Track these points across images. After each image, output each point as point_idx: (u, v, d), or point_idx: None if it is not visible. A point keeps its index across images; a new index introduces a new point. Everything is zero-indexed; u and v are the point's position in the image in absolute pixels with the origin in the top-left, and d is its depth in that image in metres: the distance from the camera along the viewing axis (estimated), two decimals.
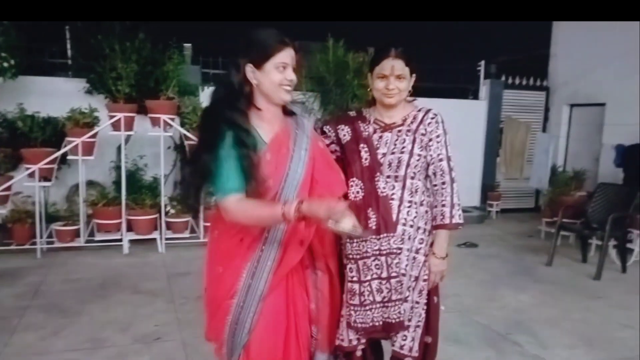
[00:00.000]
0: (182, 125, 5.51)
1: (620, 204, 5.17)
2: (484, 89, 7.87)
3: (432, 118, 1.96)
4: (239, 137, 1.61)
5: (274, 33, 1.68)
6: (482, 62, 7.85)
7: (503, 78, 8.04)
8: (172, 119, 5.28)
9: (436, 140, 1.94)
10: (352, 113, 2.07)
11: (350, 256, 1.92)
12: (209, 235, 1.84)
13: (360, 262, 1.89)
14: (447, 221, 1.93)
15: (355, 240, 1.88)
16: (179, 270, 4.64)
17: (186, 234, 5.48)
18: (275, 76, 1.67)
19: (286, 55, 1.67)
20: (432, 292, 2.00)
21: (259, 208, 1.60)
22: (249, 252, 1.69)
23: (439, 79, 7.25)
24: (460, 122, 6.07)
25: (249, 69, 1.65)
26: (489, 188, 8.00)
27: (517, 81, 8.17)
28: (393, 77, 1.90)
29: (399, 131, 1.95)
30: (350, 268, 1.92)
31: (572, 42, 7.75)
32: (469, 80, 8.06)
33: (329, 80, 5.99)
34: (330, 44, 6.01)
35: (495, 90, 7.86)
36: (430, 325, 2.00)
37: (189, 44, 6.50)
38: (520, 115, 8.13)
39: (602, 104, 7.18)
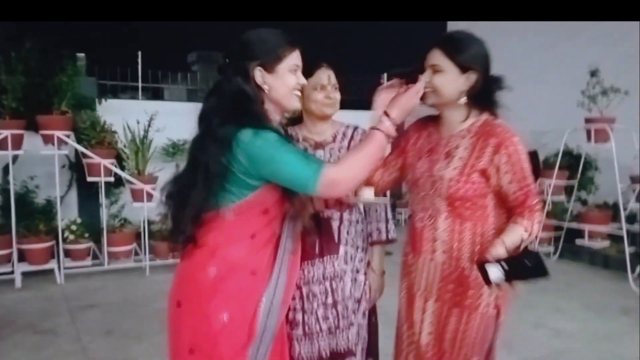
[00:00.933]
0: (79, 141, 5.07)
1: None
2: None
3: (362, 134, 1.94)
4: (285, 138, 1.43)
5: (282, 33, 1.51)
6: (385, 75, 8.13)
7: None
8: (67, 135, 4.83)
9: None
10: None
11: None
12: (192, 276, 1.46)
13: (305, 289, 1.81)
14: (383, 237, 1.96)
15: (301, 265, 1.80)
16: (83, 303, 4.22)
17: (88, 262, 5.02)
18: (290, 79, 1.49)
19: (297, 57, 1.51)
20: (371, 311, 1.97)
21: (360, 152, 1.43)
22: (263, 284, 1.47)
23: (345, 91, 7.38)
24: None
25: (258, 73, 1.46)
26: (397, 197, 8.26)
27: None
28: (331, 86, 1.85)
29: (331, 148, 1.91)
30: (293, 296, 1.82)
31: None
32: (371, 92, 8.30)
33: None
34: None
35: None
36: (371, 346, 1.96)
37: (83, 54, 6.03)
38: None
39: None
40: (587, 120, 5.20)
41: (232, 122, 1.39)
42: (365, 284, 1.89)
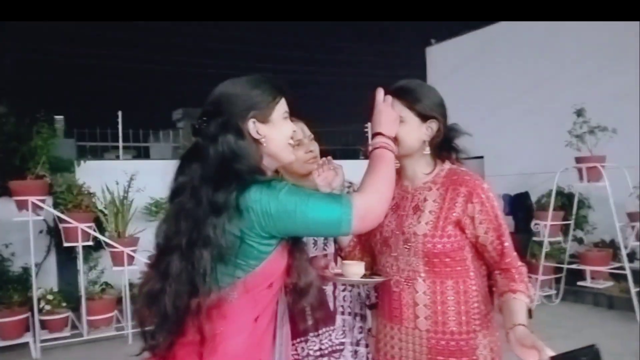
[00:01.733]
0: (56, 206, 4.86)
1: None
2: None
3: (349, 187, 1.79)
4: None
5: (264, 78, 1.33)
6: (369, 124, 8.12)
7: None
8: (43, 200, 4.63)
9: None
10: None
11: None
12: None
13: None
14: (373, 300, 1.75)
15: (293, 343, 1.59)
16: None
17: (66, 332, 4.69)
18: (286, 127, 1.33)
19: (285, 103, 1.35)
20: None
21: (376, 173, 1.33)
22: (272, 342, 1.31)
23: (329, 141, 7.35)
24: (357, 183, 6.10)
25: (252, 125, 1.27)
26: None
27: None
28: (307, 139, 1.71)
29: None
30: None
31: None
32: (358, 141, 8.29)
33: None
34: None
35: None
36: None
37: (61, 116, 5.92)
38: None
39: (481, 157, 7.70)
40: (578, 160, 5.13)
41: (229, 185, 1.20)
42: (368, 358, 1.69)
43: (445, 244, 1.43)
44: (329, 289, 1.66)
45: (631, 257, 5.14)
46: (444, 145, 1.51)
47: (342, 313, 1.67)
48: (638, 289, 4.73)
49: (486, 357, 1.44)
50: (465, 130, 1.54)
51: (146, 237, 5.34)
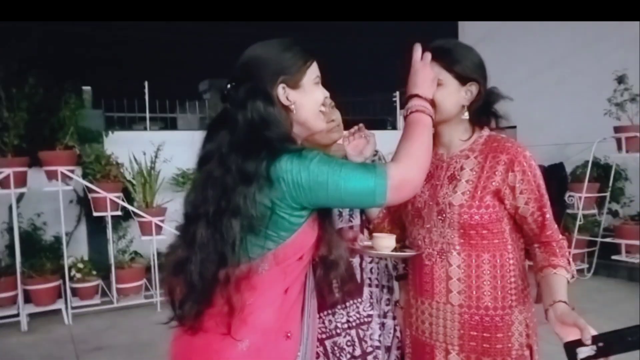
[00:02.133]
0: (85, 176, 4.92)
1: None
2: (401, 119, 7.92)
3: (374, 155, 1.73)
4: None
5: (295, 42, 1.25)
6: (397, 93, 7.94)
7: None
8: (72, 171, 4.68)
9: None
10: None
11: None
12: (218, 354, 1.18)
13: (329, 343, 1.55)
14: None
15: (320, 315, 1.54)
16: (90, 346, 3.99)
17: (97, 300, 4.80)
18: (317, 93, 1.25)
19: (317, 68, 1.26)
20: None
21: (412, 139, 1.22)
22: (296, 346, 1.25)
23: (356, 112, 7.21)
24: (383, 153, 6.00)
25: (282, 91, 1.20)
26: None
27: None
28: (328, 107, 1.63)
29: None
30: (317, 353, 1.56)
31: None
32: (385, 111, 8.12)
33: None
34: None
35: None
36: None
37: (89, 87, 5.94)
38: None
39: (514, 127, 7.46)
40: (617, 129, 4.90)
41: (259, 154, 1.13)
42: (395, 330, 1.63)
43: (482, 215, 1.35)
44: (356, 261, 1.61)
45: None
46: (484, 110, 1.41)
47: (370, 285, 1.61)
48: None
49: (522, 333, 1.37)
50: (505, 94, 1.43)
51: (174, 207, 5.38)
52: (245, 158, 1.13)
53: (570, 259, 1.37)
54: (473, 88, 1.38)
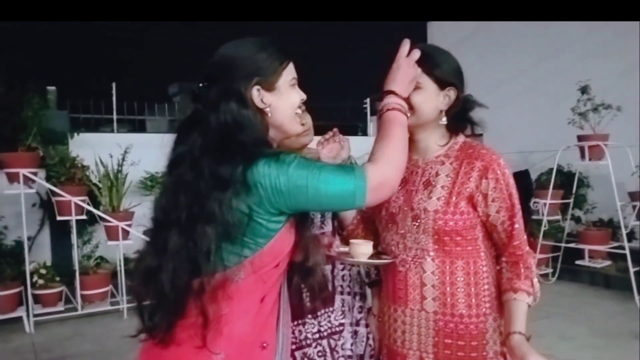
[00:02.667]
0: (48, 179, 4.77)
1: None
2: (372, 125, 7.99)
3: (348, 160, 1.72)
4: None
5: (270, 41, 1.21)
6: (368, 100, 7.99)
7: None
8: (35, 173, 4.53)
9: None
10: None
11: None
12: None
13: (299, 354, 1.53)
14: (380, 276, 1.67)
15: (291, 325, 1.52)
16: (54, 354, 3.86)
17: (60, 307, 4.64)
18: (293, 95, 1.22)
19: (293, 69, 1.23)
20: None
21: (388, 138, 1.21)
22: (271, 356, 1.22)
23: (327, 117, 7.22)
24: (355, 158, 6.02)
25: (256, 93, 1.17)
26: None
27: None
28: (301, 111, 1.63)
29: None
30: None
31: None
32: (356, 117, 8.16)
33: None
34: None
35: None
36: None
37: (53, 87, 5.76)
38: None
39: (480, 135, 7.59)
40: (580, 138, 5.05)
41: (234, 158, 1.10)
42: (368, 338, 1.63)
43: (457, 221, 1.35)
44: (327, 268, 1.59)
45: (630, 236, 5.11)
46: (461, 116, 1.41)
47: (342, 293, 1.60)
48: (636, 269, 4.71)
49: (496, 342, 1.38)
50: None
51: (141, 211, 5.26)
52: (219, 162, 1.10)
53: (535, 280, 1.37)
54: (451, 93, 1.38)
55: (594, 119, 4.94)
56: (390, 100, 1.27)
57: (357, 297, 1.65)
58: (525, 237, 1.40)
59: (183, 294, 1.10)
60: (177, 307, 1.11)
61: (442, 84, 1.37)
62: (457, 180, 1.37)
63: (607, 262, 5.33)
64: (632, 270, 4.68)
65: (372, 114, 8.02)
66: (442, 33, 8.63)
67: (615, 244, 5.16)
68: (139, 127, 7.18)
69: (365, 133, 7.99)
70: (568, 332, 3.95)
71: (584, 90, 4.92)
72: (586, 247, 5.32)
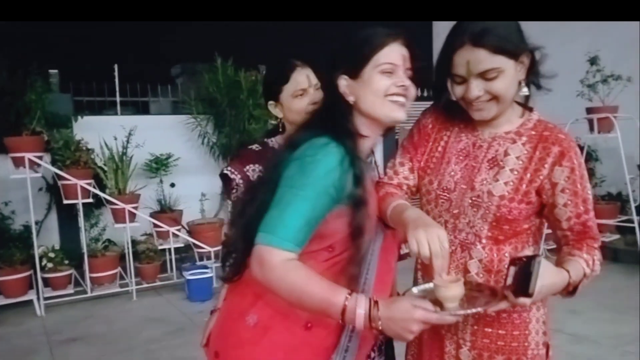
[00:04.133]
0: (54, 163, 4.77)
1: None
2: None
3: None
4: (354, 163, 1.12)
5: (373, 28, 1.19)
6: None
7: None
8: (40, 157, 4.53)
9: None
10: (256, 147, 1.66)
11: None
12: (230, 323, 1.22)
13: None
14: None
15: None
16: (64, 337, 3.90)
17: (70, 290, 4.68)
18: (379, 82, 1.17)
19: (393, 52, 1.18)
20: (387, 346, 1.68)
21: (313, 282, 1.05)
22: (327, 342, 1.15)
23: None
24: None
25: (343, 82, 1.20)
26: None
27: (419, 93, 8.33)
28: (312, 88, 1.59)
29: None
30: None
31: None
32: None
33: (221, 101, 5.59)
34: (219, 63, 5.63)
35: None
36: None
37: (56, 70, 5.72)
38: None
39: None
40: (589, 110, 4.97)
41: (314, 126, 1.19)
42: None
43: (522, 210, 1.21)
44: None
45: (639, 210, 5.07)
46: (535, 76, 1.24)
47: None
48: None
49: (538, 332, 1.28)
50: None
51: (147, 193, 5.29)
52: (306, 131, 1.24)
53: (597, 262, 1.21)
54: (524, 59, 1.20)
55: (603, 91, 4.85)
56: (357, 301, 1.03)
57: None
58: (597, 231, 1.24)
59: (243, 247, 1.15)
60: (238, 258, 1.19)
61: (515, 55, 1.18)
62: (530, 166, 1.22)
63: (616, 236, 5.29)
64: None
65: None
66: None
67: (624, 218, 5.12)
68: (143, 109, 7.15)
69: None
70: (576, 306, 3.93)
71: (593, 61, 4.82)
72: (593, 225, 5.28)
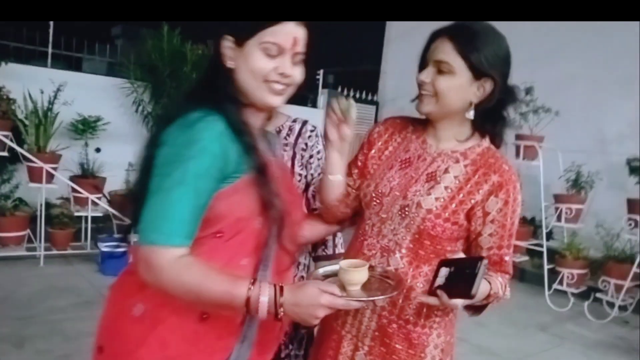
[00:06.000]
0: None
1: None
2: (322, 97, 7.94)
3: (312, 131, 1.67)
4: (238, 134, 1.04)
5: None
6: (321, 71, 7.90)
7: (339, 89, 8.21)
8: None
9: (317, 157, 1.64)
10: None
11: None
12: (115, 313, 1.11)
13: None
14: (329, 251, 1.65)
15: None
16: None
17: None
18: (259, 62, 1.08)
19: (283, 33, 1.07)
20: (308, 339, 1.68)
21: (210, 278, 0.98)
22: (227, 335, 1.07)
23: None
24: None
25: (228, 44, 1.10)
26: None
27: (351, 93, 8.40)
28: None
29: None
30: None
31: (400, 61, 8.25)
32: (306, 87, 8.06)
33: (163, 70, 5.37)
34: (165, 30, 5.40)
35: (332, 100, 7.98)
36: None
37: None
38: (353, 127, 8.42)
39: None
40: (518, 137, 5.25)
41: (193, 95, 1.11)
42: None
43: (446, 229, 1.22)
44: None
45: (548, 236, 5.42)
46: (493, 114, 1.23)
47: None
48: (550, 267, 5.01)
49: (434, 357, 1.28)
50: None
51: (69, 155, 4.96)
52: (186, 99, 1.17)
53: (507, 288, 1.26)
54: (487, 85, 1.19)
55: (533, 120, 5.14)
56: (262, 288, 0.99)
57: (300, 267, 1.62)
58: (511, 270, 1.28)
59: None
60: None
61: (478, 73, 1.17)
62: (465, 188, 1.23)
63: (525, 258, 5.62)
64: (546, 267, 4.98)
65: (323, 86, 7.95)
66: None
67: (535, 242, 5.45)
68: (76, 66, 6.72)
69: (314, 105, 7.93)
70: (481, 319, 4.14)
71: (528, 91, 5.09)
72: (509, 260, 5.59)
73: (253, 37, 1.07)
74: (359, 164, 1.40)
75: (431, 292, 1.11)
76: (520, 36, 6.65)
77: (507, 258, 1.26)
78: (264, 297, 0.97)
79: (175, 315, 1.03)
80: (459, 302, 1.08)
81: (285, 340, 1.56)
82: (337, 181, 1.32)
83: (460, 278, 1.07)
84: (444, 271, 1.11)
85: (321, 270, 1.20)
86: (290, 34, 1.09)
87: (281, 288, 0.99)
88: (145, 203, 0.99)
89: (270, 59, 1.08)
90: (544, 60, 6.18)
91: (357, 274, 1.08)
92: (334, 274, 1.15)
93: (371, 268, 1.17)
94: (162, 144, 1.02)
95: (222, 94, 1.09)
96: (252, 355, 1.10)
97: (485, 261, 1.06)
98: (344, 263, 1.11)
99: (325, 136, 1.31)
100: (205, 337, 1.05)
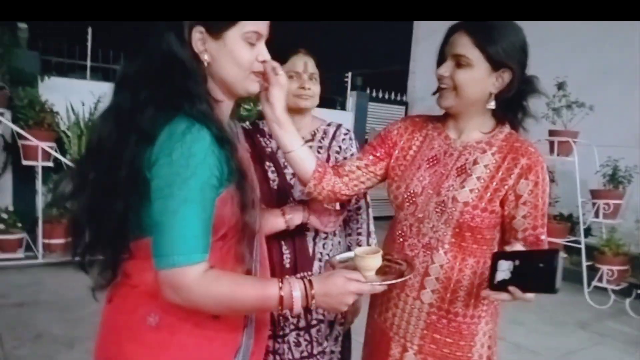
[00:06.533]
0: (15, 121, 4.60)
1: None
2: (351, 100, 7.98)
3: (346, 134, 1.73)
4: (221, 141, 1.00)
5: None
6: (350, 74, 7.95)
7: (368, 91, 8.24)
8: (1, 114, 4.36)
9: None
10: (247, 125, 1.70)
11: None
12: (126, 325, 1.08)
13: (274, 312, 1.56)
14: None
15: None
16: (11, 301, 3.79)
17: (20, 254, 4.54)
18: (244, 53, 1.05)
19: (263, 24, 1.07)
20: (345, 336, 1.74)
21: (240, 286, 1.00)
22: (233, 328, 1.10)
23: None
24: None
25: (198, 36, 1.02)
26: None
27: (380, 94, 8.43)
28: (307, 75, 1.62)
29: (309, 147, 1.66)
30: None
31: (428, 60, 8.21)
32: (335, 90, 8.12)
33: None
34: None
35: (361, 102, 8.03)
36: None
37: (25, 25, 5.50)
38: (383, 128, 8.43)
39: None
40: (551, 133, 5.18)
41: (163, 102, 0.99)
42: None
43: (485, 218, 1.24)
44: (309, 234, 1.62)
45: (587, 232, 5.33)
46: (514, 103, 1.27)
47: (321, 260, 1.63)
48: (589, 263, 4.93)
49: (483, 345, 1.32)
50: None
51: None
52: (150, 99, 1.04)
53: None
54: (506, 75, 1.22)
55: (567, 116, 5.06)
56: (289, 284, 1.02)
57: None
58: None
59: (116, 255, 1.08)
60: (114, 267, 1.10)
61: (496, 64, 1.20)
62: (497, 176, 1.25)
63: (563, 255, 5.55)
64: (584, 264, 4.89)
65: (352, 89, 7.99)
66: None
67: (572, 239, 5.36)
68: (113, 77, 6.95)
69: (343, 107, 7.97)
70: (518, 317, 4.12)
71: (560, 86, 5.02)
72: (545, 240, 5.52)
73: (233, 27, 1.03)
74: (378, 154, 1.40)
75: (493, 286, 1.10)
76: (552, 31, 6.63)
77: (542, 237, 1.27)
78: (297, 292, 1.01)
79: (191, 318, 1.04)
80: (531, 295, 1.09)
81: (318, 338, 1.61)
82: (298, 156, 1.30)
83: (534, 272, 1.05)
84: (505, 265, 1.09)
85: (338, 258, 1.24)
86: (267, 24, 1.09)
87: (309, 281, 1.03)
88: (154, 229, 0.97)
89: (251, 48, 1.06)
90: (577, 54, 6.09)
91: (373, 260, 1.12)
92: (347, 261, 1.20)
93: (386, 255, 1.21)
94: (154, 164, 0.97)
95: (195, 96, 1.01)
96: (255, 342, 1.14)
97: (561, 253, 1.07)
98: (358, 250, 1.15)
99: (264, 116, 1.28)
100: (219, 334, 1.08)
